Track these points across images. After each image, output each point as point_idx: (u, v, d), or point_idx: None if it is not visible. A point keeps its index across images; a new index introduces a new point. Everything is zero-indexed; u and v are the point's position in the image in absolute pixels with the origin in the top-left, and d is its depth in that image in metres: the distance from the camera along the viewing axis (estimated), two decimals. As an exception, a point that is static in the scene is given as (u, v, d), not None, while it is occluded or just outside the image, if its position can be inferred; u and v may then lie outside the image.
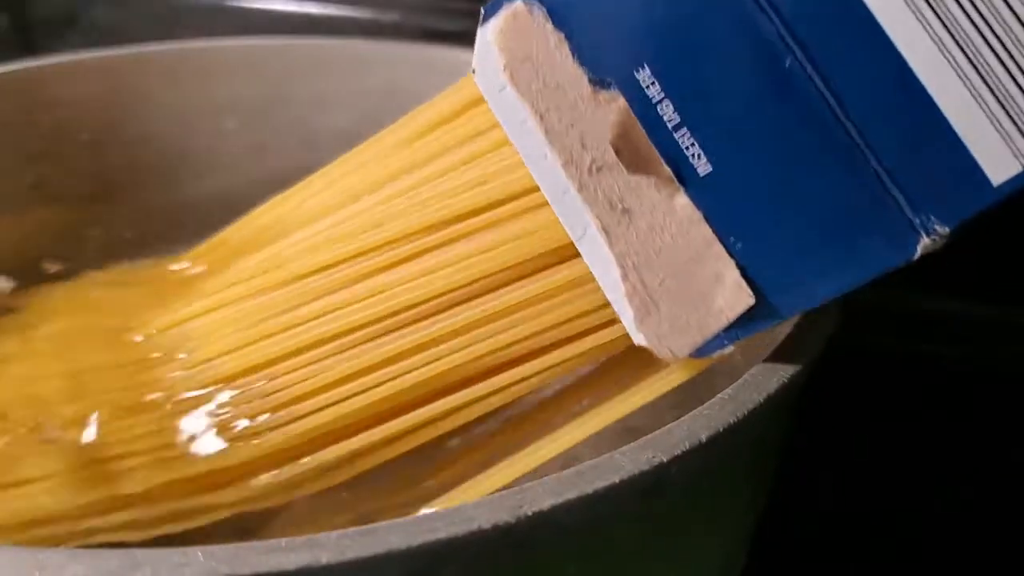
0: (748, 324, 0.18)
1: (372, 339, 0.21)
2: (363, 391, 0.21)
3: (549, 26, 0.18)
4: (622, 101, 0.18)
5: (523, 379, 0.20)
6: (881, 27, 0.15)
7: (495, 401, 0.21)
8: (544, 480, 0.15)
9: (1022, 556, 0.31)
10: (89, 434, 0.22)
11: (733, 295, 0.18)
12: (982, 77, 0.15)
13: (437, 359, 0.20)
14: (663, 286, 0.18)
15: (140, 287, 0.30)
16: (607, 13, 0.18)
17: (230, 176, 0.38)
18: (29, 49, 0.49)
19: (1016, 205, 0.16)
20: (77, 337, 0.27)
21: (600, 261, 0.18)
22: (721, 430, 0.17)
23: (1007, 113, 0.15)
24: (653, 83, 0.18)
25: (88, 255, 0.35)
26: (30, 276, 0.33)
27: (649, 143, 0.18)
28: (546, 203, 0.19)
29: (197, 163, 0.38)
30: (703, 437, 0.16)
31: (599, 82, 0.18)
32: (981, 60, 0.15)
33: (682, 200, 0.18)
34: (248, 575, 0.13)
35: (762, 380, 0.18)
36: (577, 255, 0.19)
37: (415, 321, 0.21)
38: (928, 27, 0.15)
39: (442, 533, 0.14)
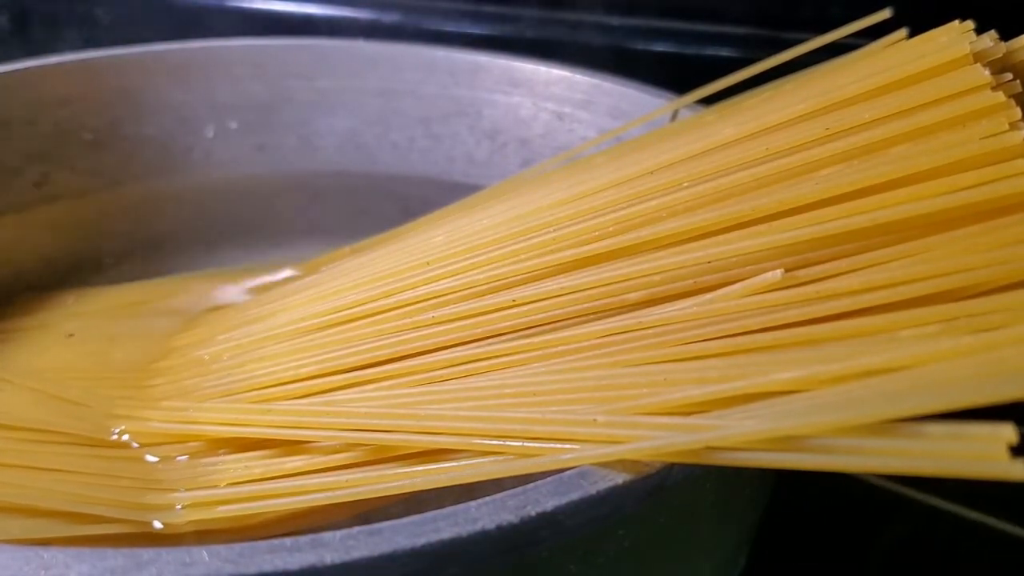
0: None
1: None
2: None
3: None
4: None
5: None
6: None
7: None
8: (547, 481, 0.15)
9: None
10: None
11: None
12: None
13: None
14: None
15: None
16: None
17: (231, 175, 0.38)
18: (30, 49, 0.49)
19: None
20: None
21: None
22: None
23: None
24: None
25: (89, 253, 0.35)
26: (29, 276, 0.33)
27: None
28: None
29: (198, 162, 0.38)
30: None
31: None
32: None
33: None
34: (253, 574, 0.13)
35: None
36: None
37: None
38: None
39: (446, 533, 0.14)
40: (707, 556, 0.21)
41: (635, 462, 0.16)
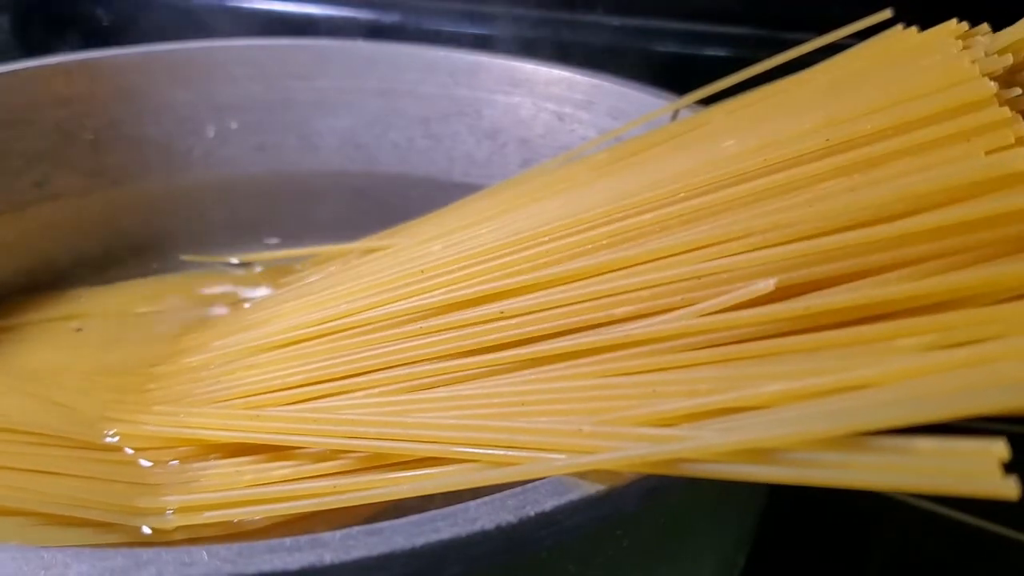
0: None
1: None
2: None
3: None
4: None
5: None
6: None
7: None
8: (546, 481, 0.15)
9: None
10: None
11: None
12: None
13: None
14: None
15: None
16: None
17: (231, 175, 0.38)
18: (30, 49, 0.49)
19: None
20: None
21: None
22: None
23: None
24: None
25: (89, 253, 0.35)
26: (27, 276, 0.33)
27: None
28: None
29: (198, 162, 0.38)
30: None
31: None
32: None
33: None
34: (252, 574, 0.13)
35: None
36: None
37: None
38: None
39: (445, 533, 0.14)
40: (706, 556, 0.21)
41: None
